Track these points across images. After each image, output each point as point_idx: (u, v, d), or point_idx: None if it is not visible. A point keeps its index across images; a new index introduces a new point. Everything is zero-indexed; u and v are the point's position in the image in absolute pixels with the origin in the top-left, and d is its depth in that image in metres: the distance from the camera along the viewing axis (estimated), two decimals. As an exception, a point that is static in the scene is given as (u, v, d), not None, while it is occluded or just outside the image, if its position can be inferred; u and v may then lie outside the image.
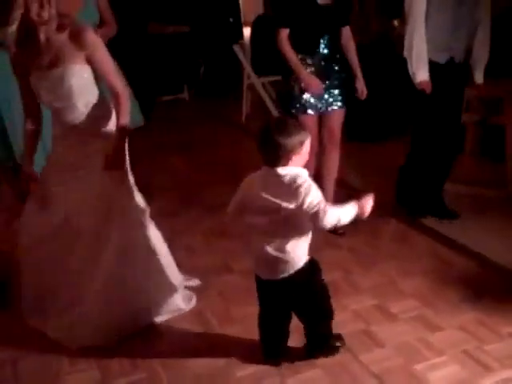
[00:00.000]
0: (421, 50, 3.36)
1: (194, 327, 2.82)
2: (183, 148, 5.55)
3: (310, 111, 3.44)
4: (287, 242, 2.33)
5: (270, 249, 2.33)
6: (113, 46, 3.74)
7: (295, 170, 2.29)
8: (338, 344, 2.57)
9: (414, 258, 3.38)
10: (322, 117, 3.54)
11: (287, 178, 2.27)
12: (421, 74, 3.40)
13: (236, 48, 6.41)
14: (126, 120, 2.64)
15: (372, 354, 2.56)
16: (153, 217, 2.88)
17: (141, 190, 2.85)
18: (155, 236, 2.86)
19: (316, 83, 3.35)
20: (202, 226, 3.88)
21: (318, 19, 3.32)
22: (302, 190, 2.23)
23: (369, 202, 2.34)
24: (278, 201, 2.27)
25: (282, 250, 2.33)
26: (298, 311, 2.50)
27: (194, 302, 3.00)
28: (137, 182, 2.84)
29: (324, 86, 3.39)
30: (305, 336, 2.54)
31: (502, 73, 4.16)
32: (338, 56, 3.46)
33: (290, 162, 2.28)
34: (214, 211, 4.07)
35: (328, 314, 2.52)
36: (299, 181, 2.26)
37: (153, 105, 6.83)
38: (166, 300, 2.87)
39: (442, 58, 3.43)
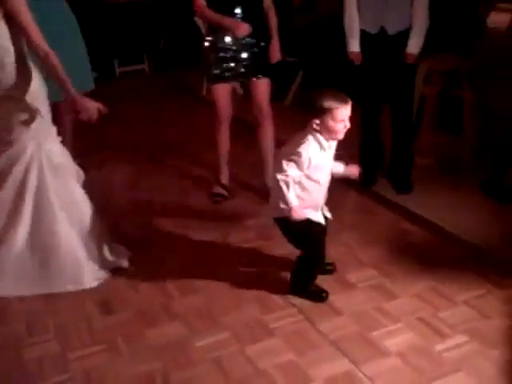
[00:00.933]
0: (352, 24, 3.57)
1: (155, 297, 2.82)
2: (144, 120, 5.47)
3: (221, 80, 3.57)
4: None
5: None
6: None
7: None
8: (323, 294, 2.76)
9: (374, 229, 3.43)
10: (249, 92, 3.68)
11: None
12: (351, 46, 3.60)
13: (197, 20, 6.30)
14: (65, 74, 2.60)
15: (330, 323, 2.61)
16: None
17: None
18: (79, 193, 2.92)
19: (241, 24, 3.39)
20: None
21: None
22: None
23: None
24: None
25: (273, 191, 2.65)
26: None
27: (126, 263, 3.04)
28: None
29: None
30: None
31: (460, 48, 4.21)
32: (253, 27, 3.47)
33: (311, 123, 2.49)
34: (173, 186, 4.05)
35: (308, 261, 2.76)
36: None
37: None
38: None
39: (372, 29, 3.54)
